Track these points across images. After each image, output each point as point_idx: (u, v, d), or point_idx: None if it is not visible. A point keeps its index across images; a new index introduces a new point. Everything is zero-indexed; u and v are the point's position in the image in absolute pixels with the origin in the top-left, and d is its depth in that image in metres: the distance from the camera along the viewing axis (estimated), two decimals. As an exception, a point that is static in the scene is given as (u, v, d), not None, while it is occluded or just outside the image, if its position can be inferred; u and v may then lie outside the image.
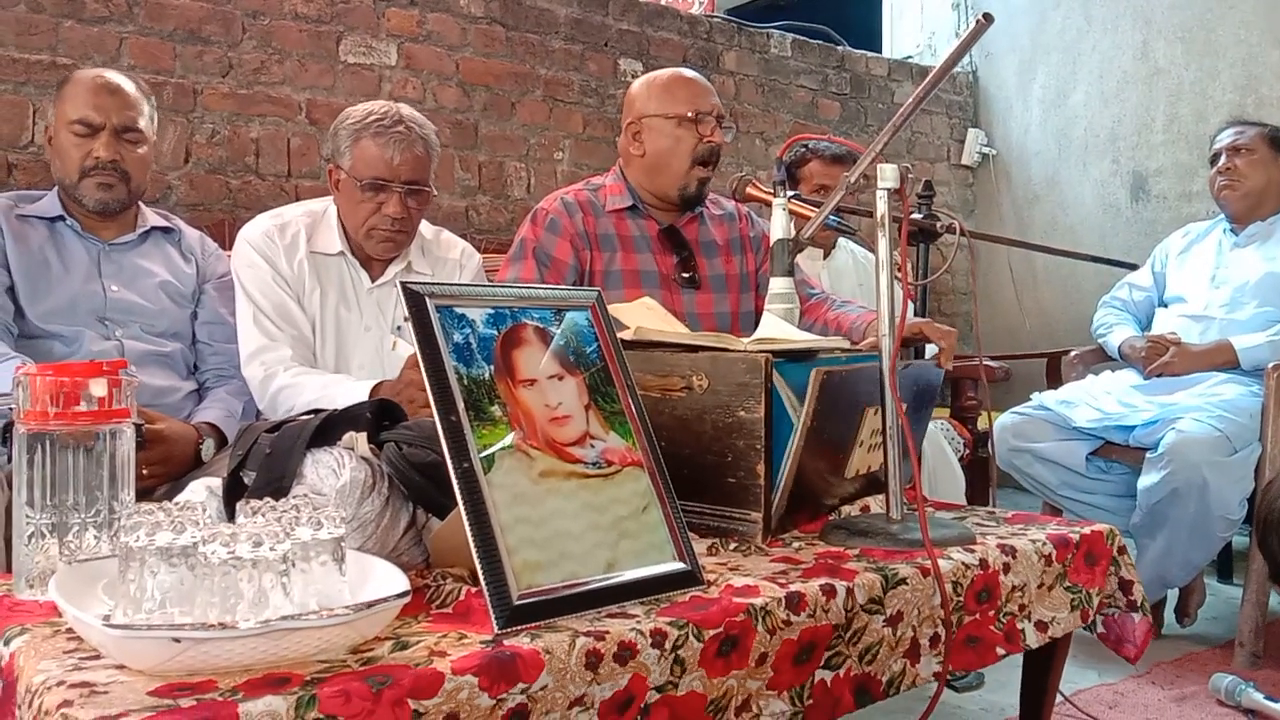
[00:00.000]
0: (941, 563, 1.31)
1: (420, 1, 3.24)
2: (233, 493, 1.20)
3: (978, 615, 1.35)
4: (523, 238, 2.19)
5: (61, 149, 1.99)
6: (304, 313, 2.03)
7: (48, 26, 2.63)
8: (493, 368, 1.12)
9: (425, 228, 2.18)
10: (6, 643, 0.96)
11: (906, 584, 1.26)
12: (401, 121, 1.98)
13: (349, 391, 1.80)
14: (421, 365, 1.07)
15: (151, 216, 2.12)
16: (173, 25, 2.81)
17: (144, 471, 1.68)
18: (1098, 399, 2.72)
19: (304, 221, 2.07)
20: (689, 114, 2.14)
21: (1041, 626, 1.42)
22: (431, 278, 2.13)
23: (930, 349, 2.05)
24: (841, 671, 1.20)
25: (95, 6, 2.69)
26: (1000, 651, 1.38)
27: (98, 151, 1.96)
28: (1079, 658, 2.31)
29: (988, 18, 1.37)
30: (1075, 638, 1.60)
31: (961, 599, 1.33)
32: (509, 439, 1.09)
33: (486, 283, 2.28)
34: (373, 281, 2.08)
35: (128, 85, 2.02)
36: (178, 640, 0.84)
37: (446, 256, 2.20)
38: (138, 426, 1.48)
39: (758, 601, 1.12)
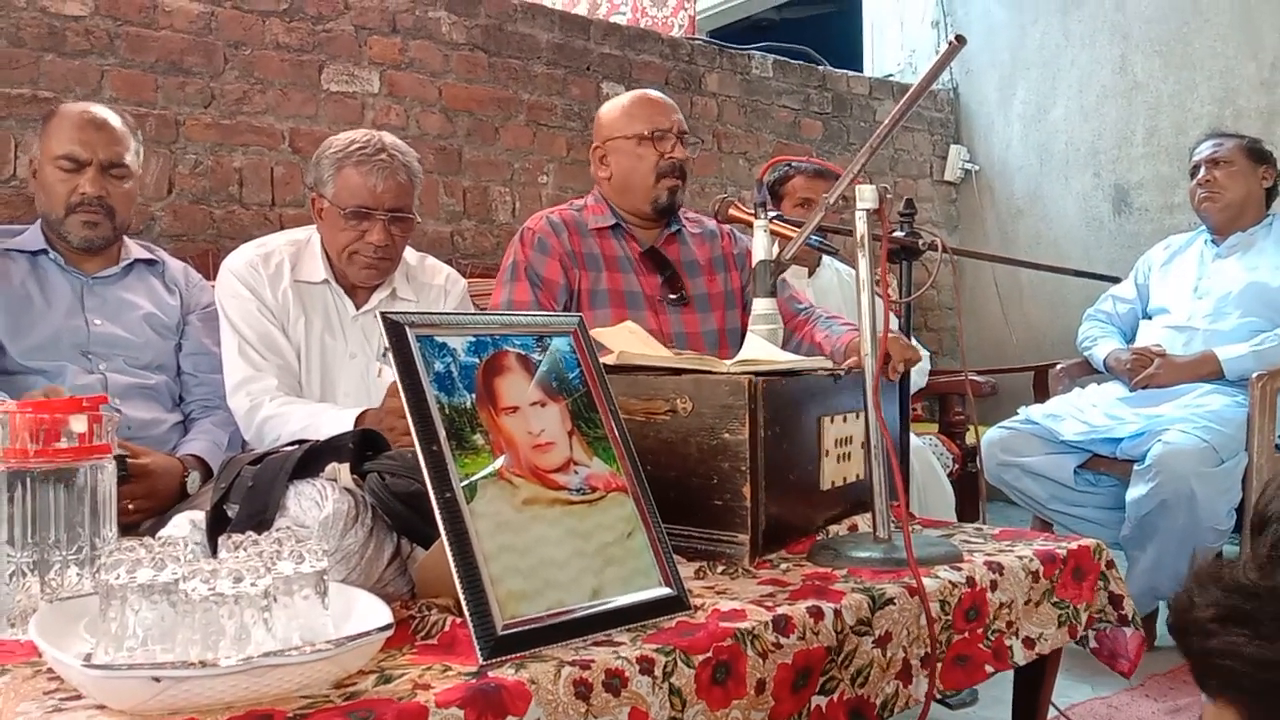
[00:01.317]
0: (928, 581, 1.31)
1: (402, 29, 3.25)
2: (216, 526, 1.19)
3: (966, 634, 1.35)
4: (513, 260, 2.19)
5: (47, 184, 1.98)
6: (289, 342, 2.02)
7: (29, 60, 2.63)
8: (474, 396, 1.12)
9: (409, 254, 2.18)
10: (-14, 684, 0.95)
11: (894, 604, 1.26)
12: (384, 150, 1.99)
13: (334, 421, 1.79)
14: (402, 395, 1.07)
15: (135, 249, 2.12)
16: (154, 57, 2.81)
17: (129, 506, 1.67)
18: (1084, 412, 2.73)
19: (288, 250, 2.07)
20: (646, 132, 2.18)
21: (1029, 643, 1.42)
22: (416, 304, 2.13)
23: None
24: (836, 696, 1.19)
25: (76, 40, 2.70)
26: (989, 669, 1.37)
27: (84, 187, 1.95)
28: (1072, 672, 2.31)
29: (960, 40, 1.39)
30: (1068, 652, 1.60)
31: (950, 617, 1.33)
32: (491, 467, 1.08)
33: (471, 309, 2.28)
34: (357, 309, 2.08)
35: (114, 120, 2.02)
36: (158, 680, 0.83)
37: (431, 282, 2.20)
38: (121, 459, 1.48)
39: (745, 625, 1.11)
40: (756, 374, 1.41)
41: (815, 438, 1.53)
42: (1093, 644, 1.56)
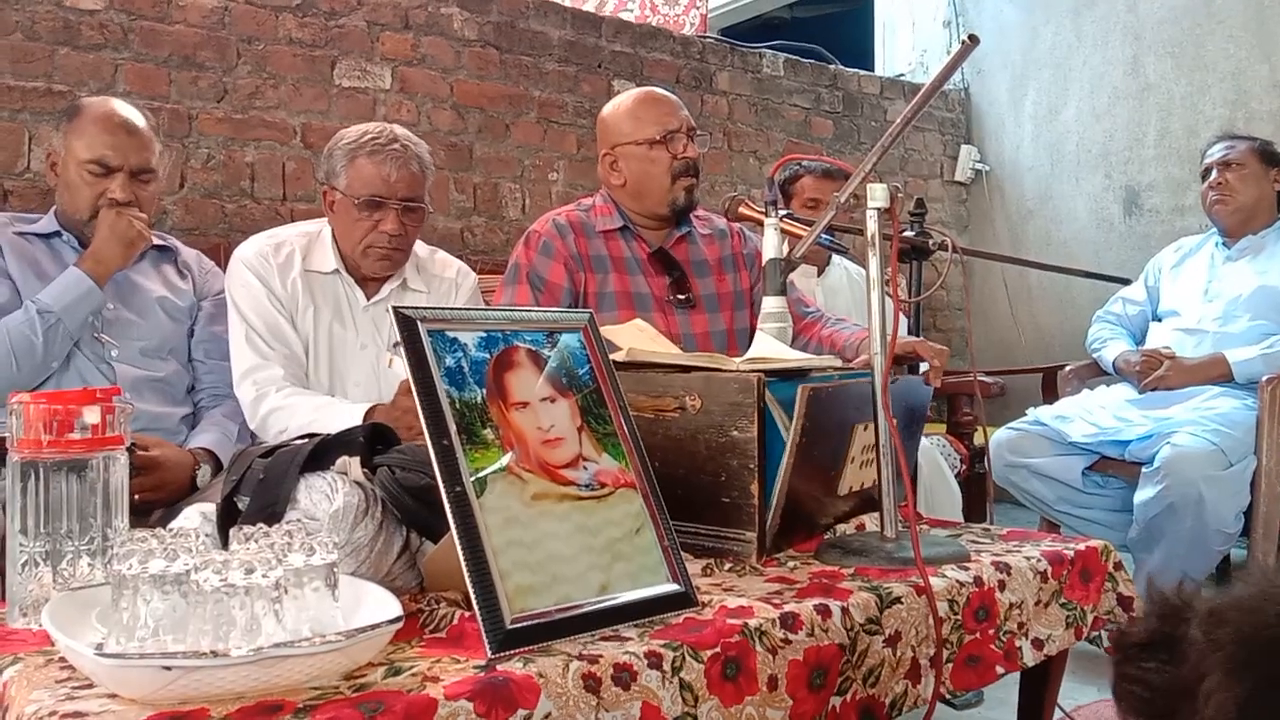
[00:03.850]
0: (935, 581, 1.31)
1: (414, 25, 3.26)
2: (226, 518, 1.20)
3: (978, 634, 1.35)
4: (516, 262, 2.19)
5: (72, 184, 1.96)
6: (297, 332, 2.03)
7: (43, 54, 2.64)
8: (485, 391, 1.12)
9: (420, 247, 2.19)
10: (-1, 672, 0.96)
11: (901, 603, 1.26)
12: (396, 140, 2.00)
13: (342, 415, 1.80)
14: (413, 389, 1.07)
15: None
16: (168, 51, 2.82)
17: (135, 497, 1.67)
18: (1093, 414, 2.73)
19: (299, 241, 2.08)
20: (657, 135, 2.16)
21: (1038, 644, 1.42)
22: (426, 296, 2.14)
23: (924, 366, 2.05)
24: (848, 695, 1.19)
25: (91, 34, 2.71)
26: (999, 670, 1.37)
27: (113, 192, 1.94)
28: (1078, 674, 2.30)
29: (973, 39, 1.38)
30: (1074, 654, 1.59)
31: (960, 617, 1.32)
32: (501, 462, 1.09)
33: (481, 304, 2.29)
34: (368, 299, 2.09)
35: (141, 122, 2.01)
36: (169, 669, 0.83)
37: (442, 275, 2.21)
38: (132, 449, 1.48)
39: (752, 622, 1.11)
40: (768, 372, 1.41)
41: (845, 445, 1.52)
42: (1106, 644, 1.56)
